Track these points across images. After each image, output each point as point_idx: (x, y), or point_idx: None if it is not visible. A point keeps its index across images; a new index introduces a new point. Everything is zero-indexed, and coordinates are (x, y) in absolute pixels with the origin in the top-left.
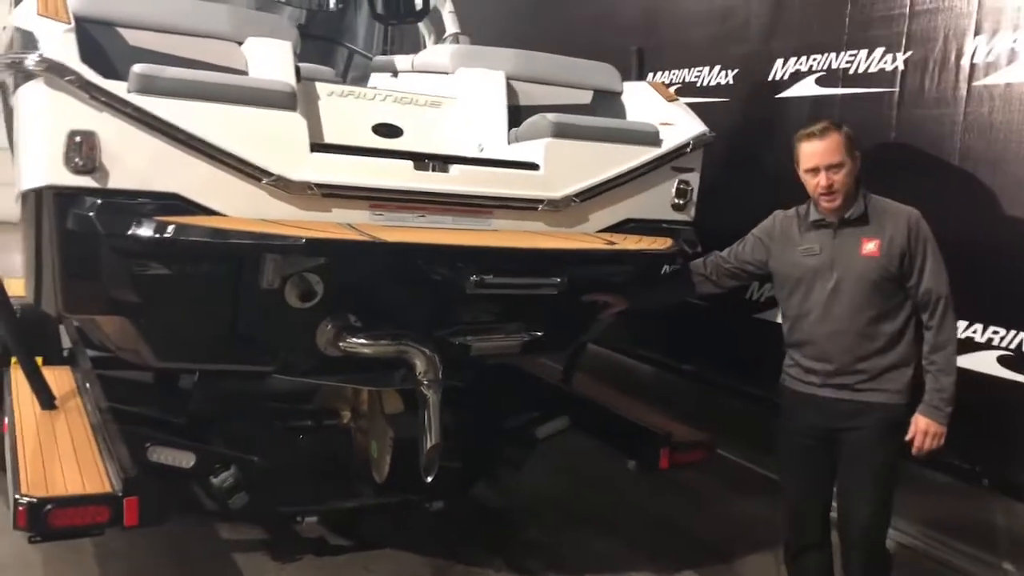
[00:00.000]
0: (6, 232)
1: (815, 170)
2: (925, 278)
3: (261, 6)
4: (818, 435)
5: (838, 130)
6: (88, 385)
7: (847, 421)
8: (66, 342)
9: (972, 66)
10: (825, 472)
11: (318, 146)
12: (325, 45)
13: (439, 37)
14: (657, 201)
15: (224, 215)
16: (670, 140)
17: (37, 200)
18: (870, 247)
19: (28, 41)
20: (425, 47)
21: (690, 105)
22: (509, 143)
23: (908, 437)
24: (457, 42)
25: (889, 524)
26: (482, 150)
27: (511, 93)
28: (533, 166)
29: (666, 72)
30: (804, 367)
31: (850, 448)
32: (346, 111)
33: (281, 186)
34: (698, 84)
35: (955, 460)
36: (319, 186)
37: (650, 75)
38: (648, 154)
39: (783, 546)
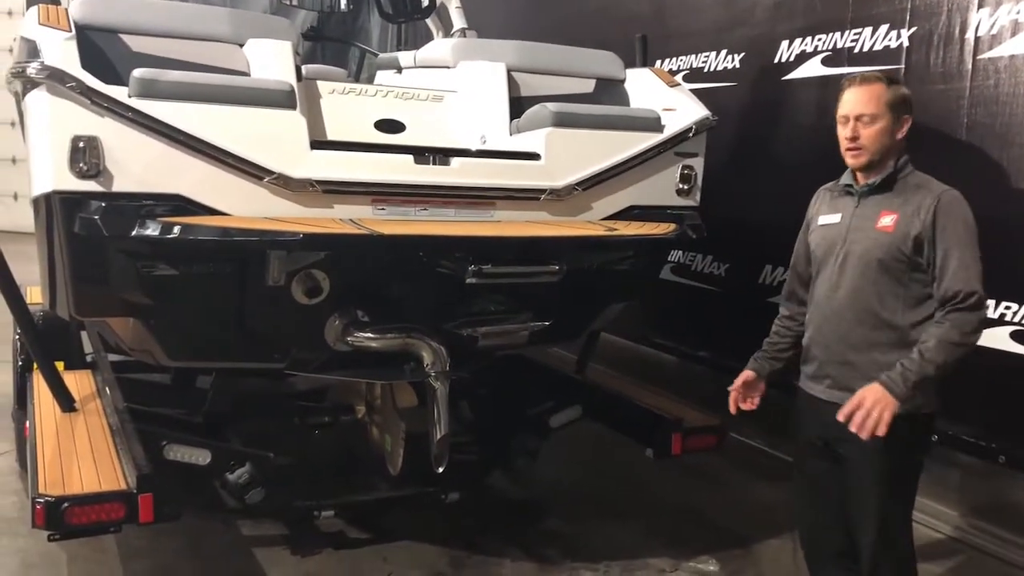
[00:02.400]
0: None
1: (846, 119)
2: (951, 271)
3: (276, 10)
4: (823, 447)
5: (885, 83)
6: (107, 388)
7: (844, 432)
8: (88, 347)
9: (976, 39)
10: (835, 490)
11: (319, 143)
12: (342, 47)
13: (447, 33)
14: (661, 187)
15: (227, 214)
16: (672, 125)
17: (46, 205)
18: (886, 221)
19: (31, 50)
20: None
21: (697, 91)
22: (511, 134)
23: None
24: (464, 37)
25: (904, 551)
26: (484, 142)
27: (513, 84)
28: (534, 156)
29: (673, 59)
30: (807, 356)
31: (849, 466)
32: (348, 108)
33: (282, 184)
34: (705, 69)
35: (971, 438)
36: (320, 183)
37: (657, 62)
38: (650, 140)
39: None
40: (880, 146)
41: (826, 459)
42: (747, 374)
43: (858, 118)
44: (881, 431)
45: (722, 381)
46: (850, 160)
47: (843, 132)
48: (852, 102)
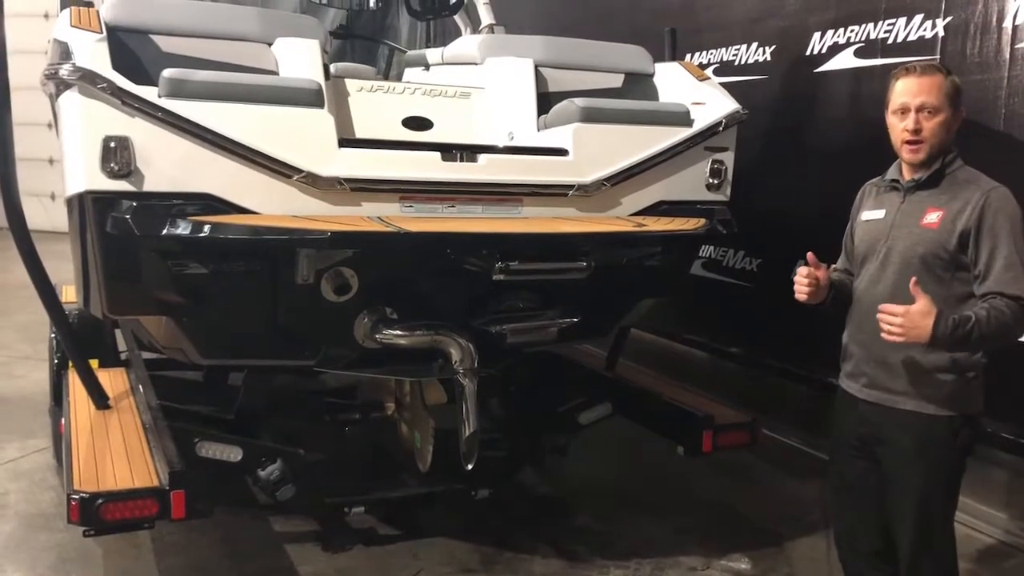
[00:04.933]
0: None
1: (904, 110)
2: (996, 273)
3: (305, 9)
4: (860, 447)
5: (943, 73)
6: (141, 386)
7: (882, 432)
8: (122, 345)
9: (1015, 28)
10: (872, 491)
11: (347, 141)
12: (372, 45)
13: (475, 29)
14: (690, 182)
15: (257, 213)
16: (702, 119)
17: (79, 205)
18: (931, 217)
19: (64, 52)
20: None
21: (728, 84)
22: (539, 130)
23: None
24: (492, 33)
25: (945, 552)
26: (512, 138)
27: (540, 80)
28: (562, 152)
29: (704, 52)
30: (845, 353)
31: (887, 467)
32: (376, 106)
33: (311, 182)
34: (736, 63)
35: (1013, 436)
36: (348, 181)
37: (687, 56)
38: (679, 135)
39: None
40: (940, 139)
41: (863, 458)
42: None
43: (919, 109)
44: (890, 339)
45: (754, 378)
46: (907, 155)
47: (901, 124)
48: (912, 92)
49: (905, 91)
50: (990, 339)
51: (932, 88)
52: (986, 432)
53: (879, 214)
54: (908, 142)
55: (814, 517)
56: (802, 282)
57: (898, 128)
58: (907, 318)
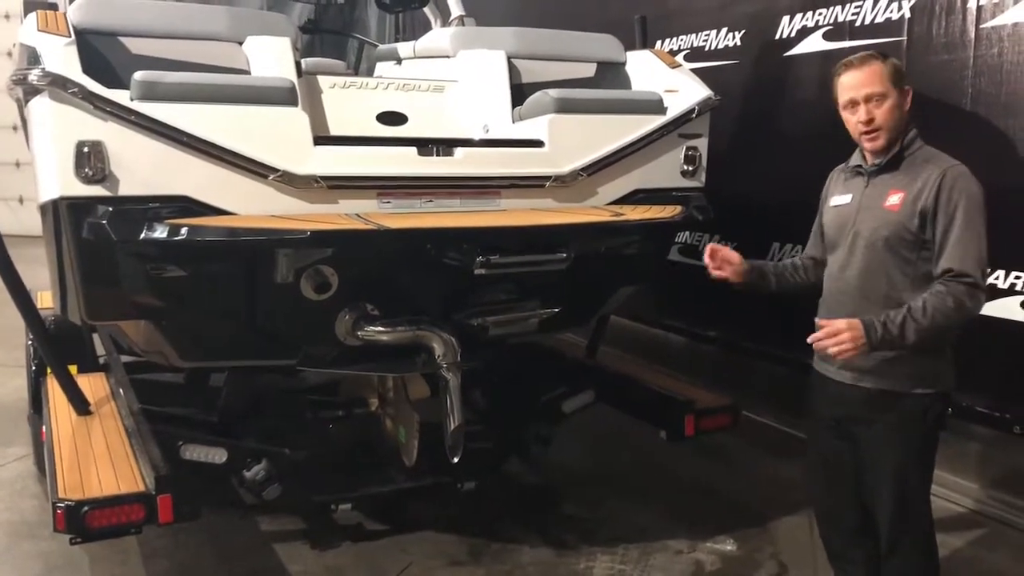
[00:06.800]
0: (34, 246)
1: (854, 104)
2: (947, 250)
3: (272, 5)
4: (835, 427)
5: (881, 59)
6: (121, 390)
7: (857, 412)
8: (100, 349)
9: (979, 8)
10: (850, 469)
11: (322, 139)
12: (340, 39)
13: (445, 21)
14: (666, 169)
15: (233, 214)
16: (675, 107)
17: (54, 211)
18: (893, 200)
19: (32, 57)
20: None
21: (699, 70)
22: (513, 122)
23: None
24: (463, 25)
25: (922, 526)
26: (487, 131)
27: (513, 72)
28: (538, 143)
29: (673, 39)
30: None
31: (862, 446)
32: (350, 102)
33: (287, 181)
34: (706, 48)
35: (986, 409)
36: (324, 178)
37: (657, 43)
38: (653, 123)
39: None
40: (895, 123)
41: (839, 437)
42: (737, 257)
43: (867, 99)
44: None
45: (732, 361)
46: (868, 144)
47: (854, 117)
48: (857, 85)
49: (850, 85)
50: (933, 327)
51: (873, 77)
52: (961, 406)
53: (846, 199)
54: (865, 133)
55: (796, 497)
56: (707, 263)
57: (852, 121)
58: (850, 340)
